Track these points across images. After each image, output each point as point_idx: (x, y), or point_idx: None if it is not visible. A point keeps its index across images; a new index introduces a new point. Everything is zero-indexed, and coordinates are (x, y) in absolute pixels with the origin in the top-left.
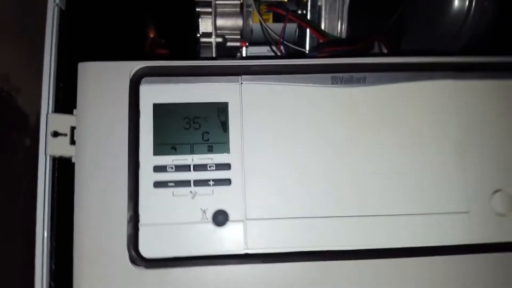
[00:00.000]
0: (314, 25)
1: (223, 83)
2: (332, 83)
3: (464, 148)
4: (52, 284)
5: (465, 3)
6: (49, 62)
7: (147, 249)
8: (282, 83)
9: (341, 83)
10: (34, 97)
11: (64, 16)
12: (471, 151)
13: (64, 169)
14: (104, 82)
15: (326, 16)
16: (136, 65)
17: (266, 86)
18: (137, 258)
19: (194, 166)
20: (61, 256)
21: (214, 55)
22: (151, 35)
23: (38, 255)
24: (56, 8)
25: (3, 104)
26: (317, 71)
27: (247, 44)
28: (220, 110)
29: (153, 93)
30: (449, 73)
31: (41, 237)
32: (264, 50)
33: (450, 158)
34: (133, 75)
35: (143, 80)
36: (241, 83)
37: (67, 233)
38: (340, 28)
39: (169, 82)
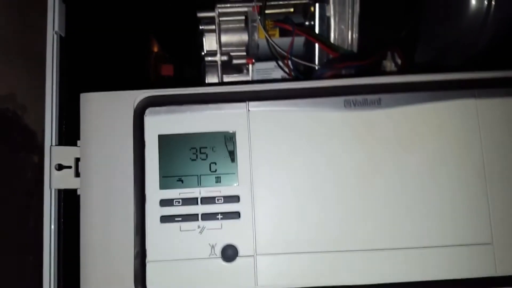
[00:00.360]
0: (323, 39)
1: (229, 111)
2: (345, 107)
3: (487, 174)
4: None
5: (483, 4)
6: (50, 93)
7: (154, 286)
8: (291, 108)
9: (354, 106)
10: (40, 114)
11: (64, 43)
12: (495, 177)
13: (70, 201)
14: (107, 112)
15: (336, 28)
16: (140, 95)
17: (274, 112)
18: None
19: (202, 199)
20: None
21: (219, 74)
22: (155, 50)
23: None
24: (55, 36)
25: (10, 123)
26: (328, 94)
27: (253, 61)
28: (227, 139)
29: (158, 124)
30: (470, 91)
31: (48, 273)
32: (271, 65)
33: (472, 185)
34: (137, 106)
35: (147, 111)
36: (249, 110)
37: (74, 268)
38: (351, 39)
39: (174, 111)
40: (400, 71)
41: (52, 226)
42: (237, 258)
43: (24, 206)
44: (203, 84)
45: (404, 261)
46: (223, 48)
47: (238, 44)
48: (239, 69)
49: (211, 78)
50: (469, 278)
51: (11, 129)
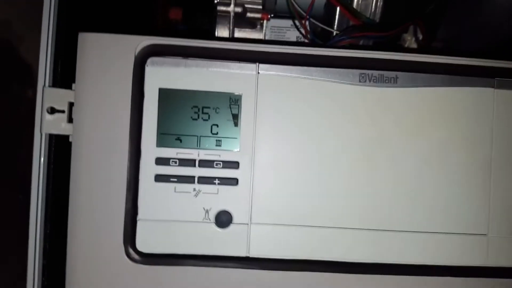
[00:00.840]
0: (346, 3)
1: (238, 71)
2: (360, 81)
3: (493, 167)
4: (45, 280)
5: None
6: (47, 29)
7: (144, 245)
8: (304, 75)
9: (370, 81)
10: (36, 46)
11: None
12: (501, 170)
13: (61, 147)
14: (106, 56)
15: None
16: (143, 41)
17: (286, 78)
18: (133, 253)
19: (200, 161)
20: (54, 247)
21: (231, 26)
22: None
23: (31, 245)
24: None
25: (4, 54)
26: (344, 66)
27: (269, 16)
28: (232, 101)
29: (160, 76)
30: (490, 80)
31: (34, 220)
32: (287, 24)
33: (476, 175)
34: (139, 53)
35: (149, 60)
36: (258, 72)
37: (62, 220)
38: (374, 7)
39: (178, 65)
40: (420, 46)
41: (41, 172)
42: (231, 225)
43: (15, 143)
44: (212, 35)
45: (399, 243)
46: None
47: None
48: (252, 24)
49: (221, 30)
50: (461, 266)
51: (6, 60)
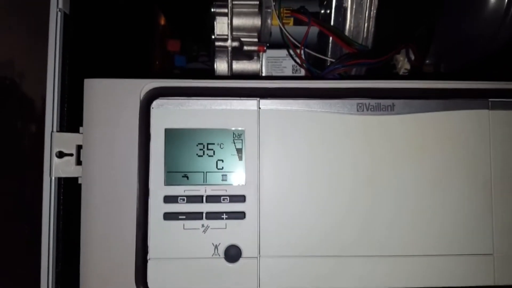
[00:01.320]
0: (338, 32)
1: (240, 107)
2: (358, 111)
3: (493, 186)
4: None
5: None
6: (52, 76)
7: (156, 283)
8: (303, 108)
9: (367, 110)
10: (39, 82)
11: (68, 21)
12: (501, 190)
13: (70, 189)
14: (112, 100)
15: (352, 19)
16: (147, 84)
17: (286, 111)
18: None
19: (207, 197)
20: (66, 285)
21: (229, 60)
22: (162, 23)
23: (43, 285)
24: (59, 14)
25: (7, 91)
26: (342, 96)
27: (265, 48)
28: (235, 137)
29: (165, 117)
30: (484, 101)
31: (46, 263)
32: (282, 53)
33: (478, 196)
34: (144, 96)
35: (154, 103)
36: (259, 107)
37: (74, 260)
38: (366, 32)
39: (182, 105)
40: (413, 66)
41: (52, 215)
42: (240, 259)
43: (21, 177)
44: (213, 74)
45: (407, 267)
46: (234, 33)
47: (250, 30)
48: (249, 56)
49: (220, 63)
50: (469, 286)
51: (9, 96)
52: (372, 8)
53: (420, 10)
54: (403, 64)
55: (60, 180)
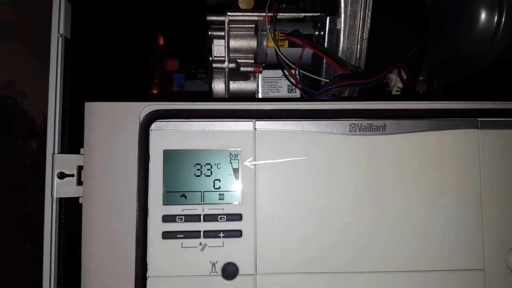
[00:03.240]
0: (331, 54)
1: (236, 128)
2: (350, 131)
3: (484, 203)
4: None
5: (493, 18)
6: (54, 99)
7: None
8: (298, 129)
9: (360, 130)
10: (41, 105)
11: (69, 45)
12: (491, 207)
13: (71, 209)
14: (112, 122)
15: (345, 41)
16: (146, 107)
17: (280, 132)
18: None
19: (205, 216)
20: None
21: (226, 81)
22: (161, 43)
23: None
24: (60, 39)
25: (9, 109)
26: (335, 117)
27: (261, 69)
28: (232, 157)
29: (164, 139)
30: (473, 121)
31: (48, 282)
32: (278, 74)
33: (468, 213)
34: (144, 119)
35: (153, 125)
36: (255, 128)
37: (75, 278)
38: (359, 54)
39: (180, 127)
40: (405, 85)
41: (53, 234)
42: (238, 276)
43: (23, 195)
44: (210, 97)
45: (400, 283)
46: (231, 55)
47: (246, 51)
48: (246, 76)
49: (217, 84)
50: None
51: (12, 119)
52: (365, 30)
53: (411, 31)
54: (395, 82)
55: (61, 200)
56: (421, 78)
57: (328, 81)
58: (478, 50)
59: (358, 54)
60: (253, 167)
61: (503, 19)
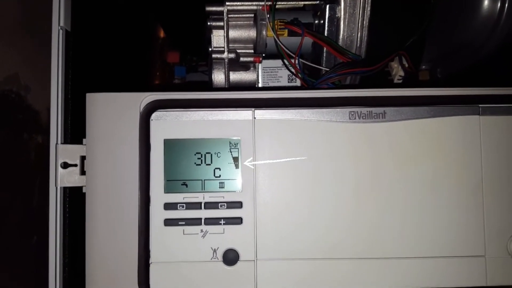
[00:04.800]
0: (331, 42)
1: (236, 117)
2: (350, 119)
3: (485, 189)
4: None
5: (496, 6)
6: (56, 91)
7: (157, 286)
8: (297, 117)
9: (359, 118)
10: (44, 95)
11: (69, 38)
12: (492, 193)
13: (75, 198)
14: (113, 113)
15: (345, 29)
16: (146, 97)
17: (280, 121)
18: None
19: (205, 204)
20: None
21: (226, 71)
22: (161, 36)
23: None
24: (61, 32)
25: (13, 104)
26: (334, 105)
27: (261, 59)
28: (232, 146)
29: (164, 128)
30: (474, 107)
31: (54, 270)
32: (278, 63)
33: (469, 199)
34: (144, 109)
35: (153, 115)
36: (255, 117)
37: (79, 266)
38: (360, 42)
39: (180, 116)
40: (407, 73)
41: (58, 223)
42: (238, 262)
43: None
44: (210, 86)
45: (400, 270)
46: (230, 45)
47: (245, 41)
48: (246, 66)
49: (217, 74)
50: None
51: (16, 111)
52: (365, 18)
53: (412, 18)
54: (397, 71)
55: (65, 190)
56: (423, 67)
57: (328, 70)
58: (481, 37)
59: (358, 42)
60: (253, 156)
61: (506, 5)
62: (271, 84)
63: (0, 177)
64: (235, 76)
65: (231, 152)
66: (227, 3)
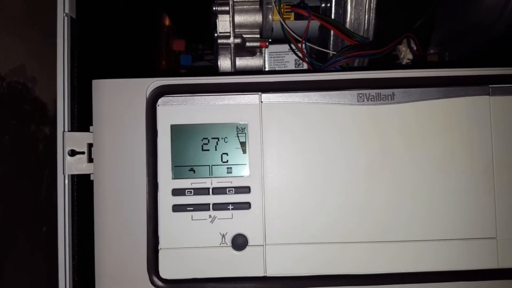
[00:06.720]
0: (339, 25)
1: (242, 102)
2: (359, 101)
3: (496, 171)
4: None
5: None
6: (62, 78)
7: (167, 272)
8: (304, 100)
9: (368, 100)
10: (50, 86)
11: (75, 25)
12: (503, 174)
13: (83, 185)
14: (119, 99)
15: (352, 12)
16: (152, 83)
17: (287, 104)
18: (157, 281)
19: (213, 189)
20: (82, 279)
21: (232, 57)
22: (167, 23)
23: (61, 277)
24: (66, 19)
25: (20, 96)
26: (342, 88)
27: (267, 44)
28: (239, 130)
29: (171, 114)
30: (484, 88)
31: (63, 258)
32: (285, 48)
33: (480, 181)
34: (150, 94)
35: (160, 100)
36: (262, 101)
37: (88, 253)
38: (367, 24)
39: (187, 102)
40: (415, 56)
41: (66, 211)
42: (247, 247)
43: (36, 178)
44: (216, 71)
45: (411, 252)
46: (236, 30)
47: (251, 26)
48: (252, 52)
49: (223, 60)
50: (473, 270)
51: (23, 100)
52: (372, 0)
53: (420, 0)
54: (405, 54)
55: (73, 177)
56: (432, 51)
57: (336, 53)
58: (492, 16)
59: (366, 25)
60: (260, 140)
61: None
62: (278, 69)
63: (9, 169)
64: (241, 62)
65: (238, 136)
66: None
